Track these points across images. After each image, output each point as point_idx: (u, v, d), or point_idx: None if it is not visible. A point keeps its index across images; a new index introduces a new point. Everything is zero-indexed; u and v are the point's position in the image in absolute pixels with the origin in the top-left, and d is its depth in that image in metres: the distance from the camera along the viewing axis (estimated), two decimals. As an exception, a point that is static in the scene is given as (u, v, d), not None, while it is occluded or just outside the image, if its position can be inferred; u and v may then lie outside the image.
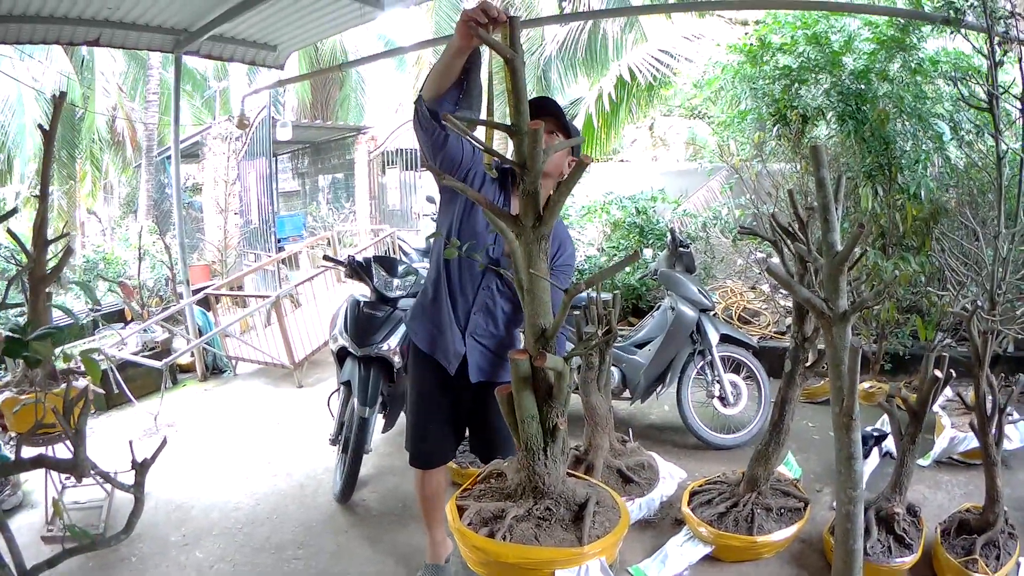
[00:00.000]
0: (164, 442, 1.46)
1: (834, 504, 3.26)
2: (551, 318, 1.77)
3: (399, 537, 3.22)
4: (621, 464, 3.32)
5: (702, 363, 4.07)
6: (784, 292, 6.21)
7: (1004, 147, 3.27)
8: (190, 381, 5.92)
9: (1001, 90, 3.38)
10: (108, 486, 3.52)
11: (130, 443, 1.48)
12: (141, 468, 1.37)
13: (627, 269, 5.51)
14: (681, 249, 4.24)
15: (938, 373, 2.58)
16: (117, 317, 6.81)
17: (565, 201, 1.72)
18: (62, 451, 4.20)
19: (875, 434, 3.47)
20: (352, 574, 2.96)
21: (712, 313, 4.15)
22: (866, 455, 3.29)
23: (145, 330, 5.76)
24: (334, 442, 3.62)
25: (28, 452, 2.87)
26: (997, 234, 3.27)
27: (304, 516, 3.44)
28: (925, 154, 4.22)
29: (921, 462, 3.56)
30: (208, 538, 3.25)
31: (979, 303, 2.74)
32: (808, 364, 2.93)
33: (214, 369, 6.13)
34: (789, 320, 5.67)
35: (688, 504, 3.07)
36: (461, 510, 1.97)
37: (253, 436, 4.52)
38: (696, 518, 2.96)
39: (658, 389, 4.15)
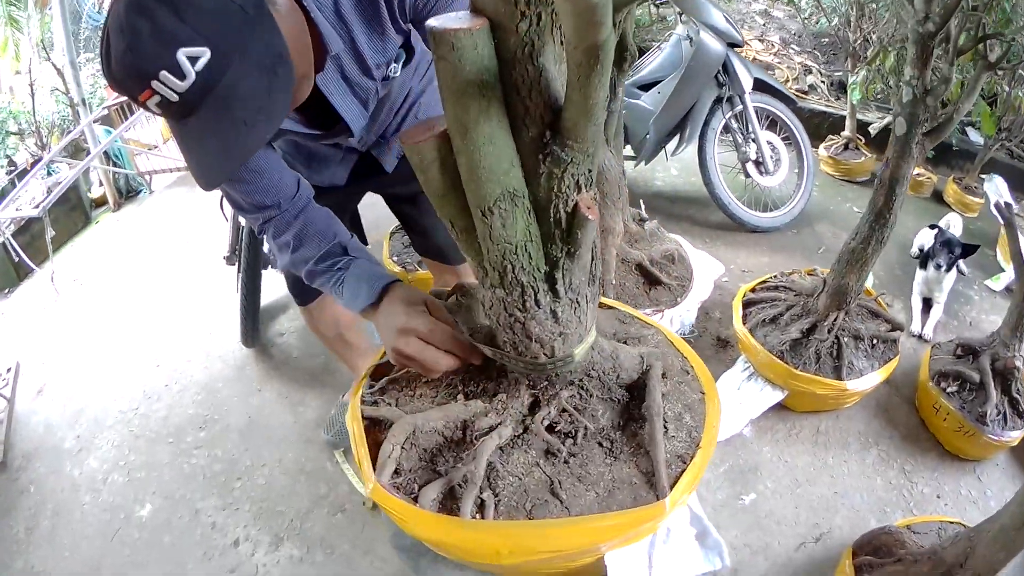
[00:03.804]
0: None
1: (912, 329, 2.26)
2: None
3: (329, 389, 2.17)
4: (642, 256, 2.10)
5: (730, 114, 2.78)
6: (797, 48, 4.85)
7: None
8: (103, 215, 4.57)
9: None
10: (7, 391, 2.54)
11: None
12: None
13: None
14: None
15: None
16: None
17: None
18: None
19: (962, 243, 2.34)
20: (268, 463, 1.92)
21: (742, 52, 2.82)
22: (948, 267, 2.25)
23: (49, 172, 4.31)
24: (230, 261, 2.44)
25: None
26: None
27: (207, 377, 2.34)
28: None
29: (991, 284, 2.61)
30: (103, 434, 2.19)
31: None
32: (930, 130, 1.69)
33: (129, 194, 4.77)
34: (810, 79, 4.41)
35: (743, 321, 1.97)
36: (374, 447, 0.81)
37: (165, 268, 3.24)
38: (759, 346, 1.87)
39: (670, 147, 2.90)
